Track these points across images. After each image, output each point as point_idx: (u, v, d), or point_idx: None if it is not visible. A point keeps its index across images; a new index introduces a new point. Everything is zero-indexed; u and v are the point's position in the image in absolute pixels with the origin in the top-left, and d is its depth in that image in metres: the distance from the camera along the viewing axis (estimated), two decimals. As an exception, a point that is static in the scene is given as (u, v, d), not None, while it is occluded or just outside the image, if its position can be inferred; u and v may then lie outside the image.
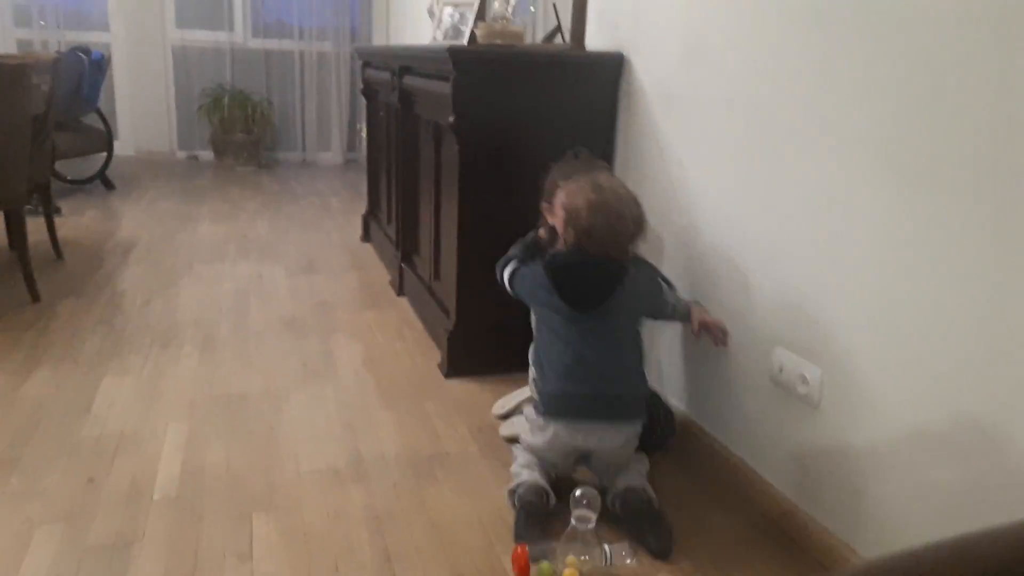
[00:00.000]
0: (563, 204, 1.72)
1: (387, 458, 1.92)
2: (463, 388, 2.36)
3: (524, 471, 1.71)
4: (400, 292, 3.25)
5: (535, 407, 1.75)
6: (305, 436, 2.01)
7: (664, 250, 2.14)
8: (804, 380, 1.60)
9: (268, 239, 4.04)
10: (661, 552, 1.57)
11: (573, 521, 1.49)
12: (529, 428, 1.76)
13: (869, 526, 1.46)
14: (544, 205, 1.92)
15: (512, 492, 1.68)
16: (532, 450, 1.74)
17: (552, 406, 1.69)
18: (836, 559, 1.52)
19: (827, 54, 1.51)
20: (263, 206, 4.81)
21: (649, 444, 1.79)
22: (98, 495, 1.71)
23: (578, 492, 1.51)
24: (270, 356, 2.52)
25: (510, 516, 1.66)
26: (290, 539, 1.60)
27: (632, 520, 1.62)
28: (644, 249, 1.93)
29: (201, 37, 6.31)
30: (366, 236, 4.13)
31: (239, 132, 6.16)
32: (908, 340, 1.36)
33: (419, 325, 2.88)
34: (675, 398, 2.13)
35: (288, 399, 2.21)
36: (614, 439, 1.67)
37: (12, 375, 2.30)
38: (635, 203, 1.73)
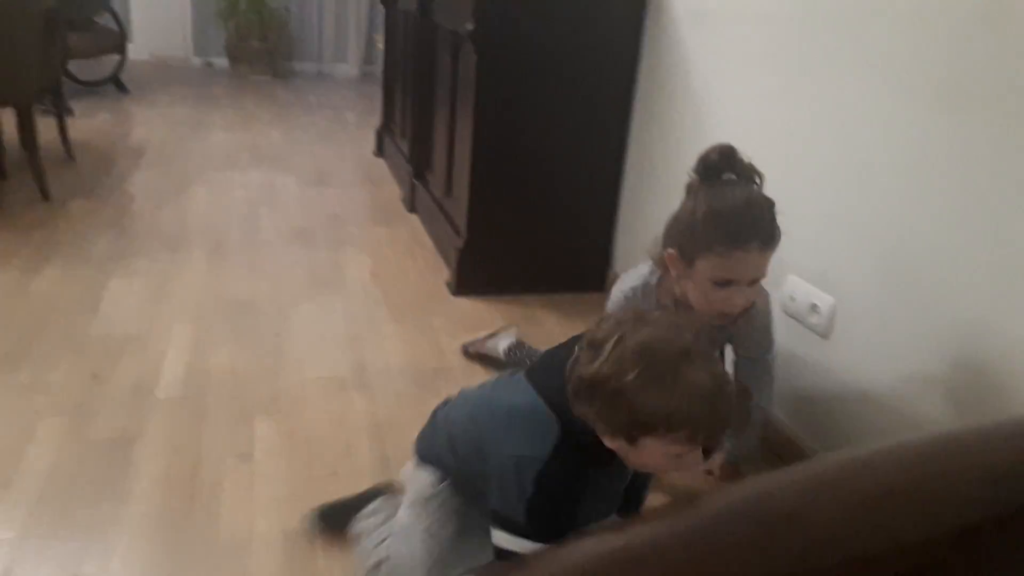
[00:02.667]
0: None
1: (391, 369, 1.93)
2: (470, 306, 2.34)
3: None
4: (411, 209, 3.21)
5: None
6: (311, 344, 2.01)
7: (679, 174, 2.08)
8: (815, 309, 1.57)
9: (281, 149, 3.99)
10: None
11: None
12: None
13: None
14: (670, 254, 1.29)
15: None
16: None
17: None
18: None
19: (868, -33, 1.42)
20: (277, 116, 4.73)
21: None
22: (103, 392, 1.73)
23: None
24: (279, 265, 2.51)
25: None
26: (291, 442, 1.61)
27: None
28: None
29: (218, -62, 6.10)
30: (379, 151, 4.06)
31: (255, 40, 6.02)
32: (923, 275, 1.32)
33: (429, 242, 2.85)
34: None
35: (295, 307, 2.21)
36: None
37: (22, 272, 2.30)
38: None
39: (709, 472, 1.52)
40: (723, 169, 1.25)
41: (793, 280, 1.64)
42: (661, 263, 1.34)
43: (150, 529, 1.34)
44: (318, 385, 1.82)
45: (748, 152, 1.80)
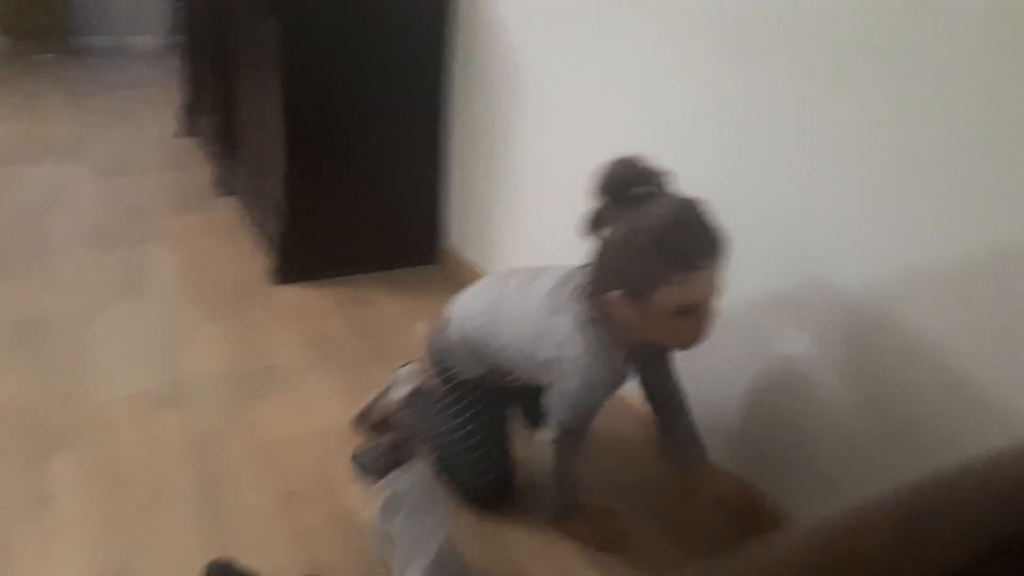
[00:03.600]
0: None
1: (209, 377, 1.77)
2: (295, 294, 2.20)
3: None
4: (226, 192, 2.98)
5: None
6: (113, 360, 1.81)
7: (509, 138, 2.03)
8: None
9: (73, 137, 3.58)
10: None
11: None
12: None
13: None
14: (614, 299, 1.15)
15: None
16: None
17: None
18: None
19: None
20: (67, 99, 4.25)
21: None
22: None
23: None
24: (72, 273, 2.25)
25: (345, 426, 1.57)
26: (97, 476, 1.44)
27: None
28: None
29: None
30: (187, 130, 3.75)
31: (35, 11, 5.37)
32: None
33: (247, 227, 2.66)
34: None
35: (94, 320, 1.98)
36: None
37: None
38: None
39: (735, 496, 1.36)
40: (632, 183, 1.11)
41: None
42: (601, 311, 1.18)
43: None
44: (124, 406, 1.64)
45: (564, 110, 1.78)
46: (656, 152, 1.48)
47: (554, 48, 1.78)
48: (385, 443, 1.26)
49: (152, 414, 1.62)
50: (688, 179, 1.42)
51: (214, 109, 3.12)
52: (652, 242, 1.07)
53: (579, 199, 1.69)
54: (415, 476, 1.22)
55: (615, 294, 1.12)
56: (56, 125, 3.76)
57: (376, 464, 1.28)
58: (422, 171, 2.38)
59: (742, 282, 1.34)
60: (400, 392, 1.50)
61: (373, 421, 1.51)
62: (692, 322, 1.12)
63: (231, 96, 2.87)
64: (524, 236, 2.03)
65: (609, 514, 1.37)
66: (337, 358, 1.86)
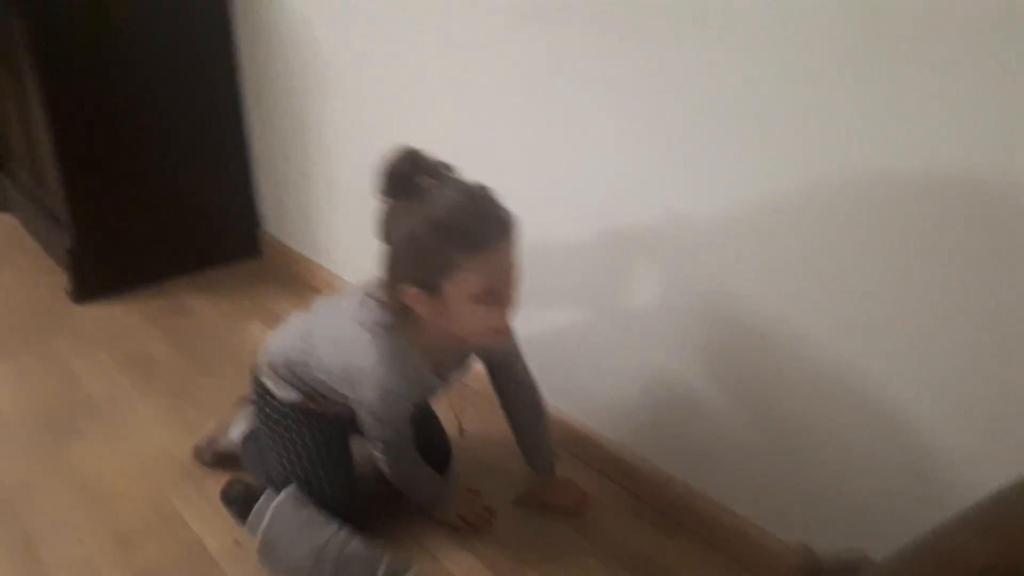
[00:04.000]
0: None
1: (8, 422, 1.57)
2: (101, 312, 2.00)
3: None
4: (2, 208, 2.65)
5: None
6: None
7: (310, 116, 1.93)
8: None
9: None
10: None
11: None
12: None
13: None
14: (410, 293, 1.09)
15: None
16: None
17: None
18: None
19: None
20: None
21: None
22: None
23: None
24: None
25: (179, 452, 1.45)
26: None
27: None
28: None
29: None
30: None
31: None
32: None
33: (34, 244, 2.38)
34: (340, 267, 2.00)
35: None
36: None
37: None
38: None
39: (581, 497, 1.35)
40: (413, 176, 1.04)
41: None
42: (396, 315, 1.11)
43: None
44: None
45: (367, 86, 1.71)
46: (464, 122, 1.46)
47: (348, 24, 1.70)
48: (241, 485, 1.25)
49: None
50: (498, 148, 1.42)
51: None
52: (437, 229, 1.02)
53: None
54: (274, 509, 1.16)
55: (409, 292, 1.07)
56: None
57: (238, 504, 1.26)
58: (224, 164, 2.22)
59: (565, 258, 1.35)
60: (237, 430, 1.40)
61: (216, 452, 1.42)
62: (493, 309, 1.07)
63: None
64: (344, 218, 1.95)
65: (474, 494, 1.35)
66: (160, 378, 1.71)
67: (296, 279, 2.16)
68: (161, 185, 2.13)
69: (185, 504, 1.34)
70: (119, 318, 1.97)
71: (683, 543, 1.26)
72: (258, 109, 2.13)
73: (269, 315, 1.97)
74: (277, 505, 1.19)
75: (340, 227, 1.98)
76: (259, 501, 1.20)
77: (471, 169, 1.07)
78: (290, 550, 1.15)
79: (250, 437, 1.37)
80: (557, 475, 1.36)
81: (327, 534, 1.17)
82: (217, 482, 1.35)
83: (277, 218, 2.24)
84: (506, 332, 1.12)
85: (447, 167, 1.06)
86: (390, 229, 1.07)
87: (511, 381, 1.32)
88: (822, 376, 1.05)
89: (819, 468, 1.10)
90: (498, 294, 1.07)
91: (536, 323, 1.32)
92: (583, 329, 1.39)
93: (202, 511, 1.33)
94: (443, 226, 1.02)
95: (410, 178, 1.04)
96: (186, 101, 2.09)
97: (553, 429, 1.36)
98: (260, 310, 2.00)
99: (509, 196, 1.05)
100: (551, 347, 1.42)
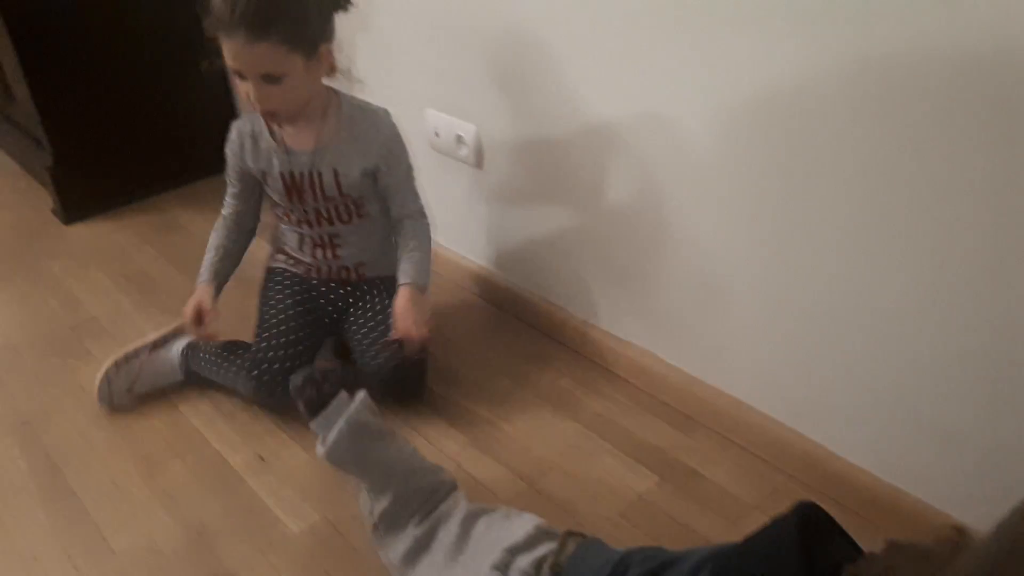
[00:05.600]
0: None
1: (16, 348, 1.57)
2: (92, 232, 1.97)
3: None
4: (-30, 126, 2.56)
5: None
6: None
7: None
8: (461, 141, 1.51)
9: None
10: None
11: None
12: None
13: (547, 273, 1.50)
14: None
15: None
16: None
17: None
18: (538, 313, 1.56)
19: None
20: None
21: None
22: None
23: None
24: None
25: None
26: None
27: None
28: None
29: None
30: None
31: None
32: (550, 82, 1.30)
33: (13, 165, 2.31)
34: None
35: None
36: None
37: None
38: None
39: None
40: None
41: (432, 114, 1.55)
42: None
43: None
44: None
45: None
46: (455, 21, 1.39)
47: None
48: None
49: None
50: (494, 45, 1.35)
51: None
52: None
53: (384, 75, 1.59)
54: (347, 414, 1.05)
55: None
56: None
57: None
58: (200, 72, 2.13)
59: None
60: (176, 348, 1.42)
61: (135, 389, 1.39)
62: (245, 88, 1.17)
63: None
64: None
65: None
66: (158, 295, 1.71)
67: (286, 187, 2.12)
68: (138, 97, 2.05)
69: (203, 422, 1.37)
70: (111, 236, 1.94)
71: (702, 439, 1.30)
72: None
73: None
74: (349, 410, 1.06)
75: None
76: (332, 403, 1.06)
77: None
78: (360, 454, 1.06)
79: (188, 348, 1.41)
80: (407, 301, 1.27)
81: (396, 443, 1.09)
82: (229, 398, 1.38)
83: (261, 125, 2.18)
84: (268, 114, 1.22)
85: None
86: None
87: (406, 201, 1.36)
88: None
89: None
90: (246, 77, 1.16)
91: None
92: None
93: (220, 428, 1.36)
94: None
95: None
96: (157, 7, 1.98)
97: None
98: (253, 221, 1.97)
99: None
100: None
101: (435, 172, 1.63)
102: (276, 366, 1.30)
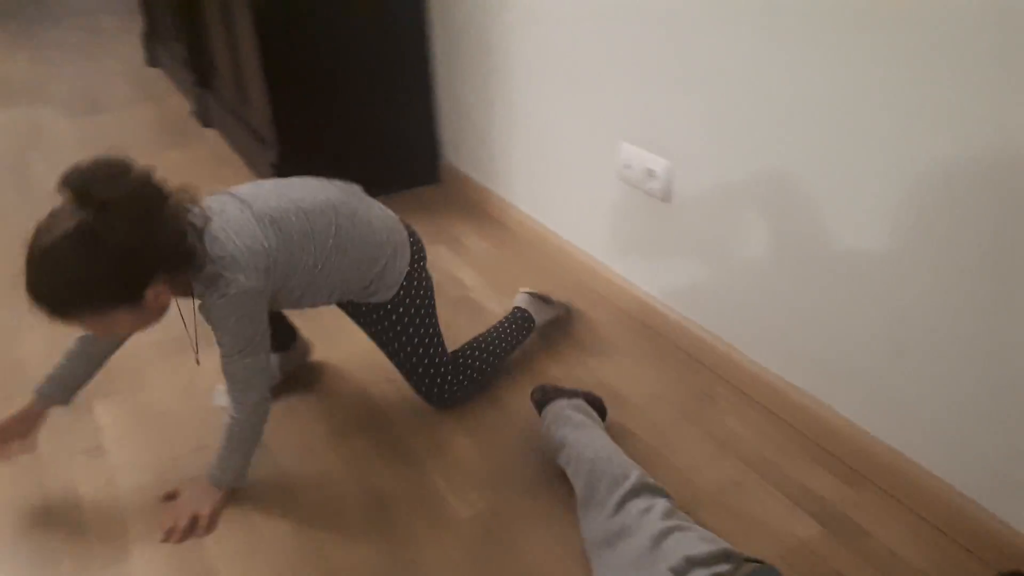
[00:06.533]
0: None
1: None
2: (301, 224, 2.18)
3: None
4: (206, 123, 2.90)
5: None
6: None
7: (496, 48, 1.99)
8: (652, 174, 1.58)
9: (32, 76, 3.44)
10: None
11: None
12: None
13: (722, 311, 1.53)
14: None
15: None
16: None
17: None
18: (705, 349, 1.59)
19: None
20: (16, 34, 4.04)
21: None
22: None
23: None
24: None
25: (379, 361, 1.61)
26: (141, 421, 1.47)
27: None
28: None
29: None
30: (152, 60, 3.60)
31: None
32: (749, 125, 1.34)
33: (236, 158, 2.61)
34: (518, 198, 2.09)
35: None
36: None
37: None
38: None
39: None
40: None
41: (627, 147, 1.63)
42: None
43: (19, 561, 1.19)
44: (154, 350, 1.64)
45: (552, 10, 1.73)
46: (666, 57, 1.46)
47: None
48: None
49: (181, 355, 1.63)
50: (698, 85, 1.40)
51: (178, 37, 3.00)
52: None
53: (580, 106, 1.69)
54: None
55: None
56: (13, 65, 3.59)
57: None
58: (409, 91, 2.33)
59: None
60: None
61: None
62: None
63: (194, 20, 2.75)
64: (523, 150, 2.01)
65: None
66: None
67: (472, 206, 2.27)
68: (354, 109, 2.27)
69: (389, 404, 1.49)
70: (317, 231, 2.14)
71: (870, 496, 1.28)
72: (444, 37, 2.21)
73: (449, 238, 2.09)
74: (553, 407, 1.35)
75: (518, 159, 2.05)
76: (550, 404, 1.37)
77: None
78: (572, 442, 1.25)
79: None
80: None
81: (591, 436, 1.26)
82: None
83: (456, 147, 2.34)
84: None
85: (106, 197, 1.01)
86: None
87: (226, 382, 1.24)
88: None
89: None
90: None
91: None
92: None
93: (404, 413, 1.47)
94: None
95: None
96: (377, 27, 2.20)
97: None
98: (442, 233, 2.12)
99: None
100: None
101: (619, 201, 1.70)
102: None
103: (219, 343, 1.21)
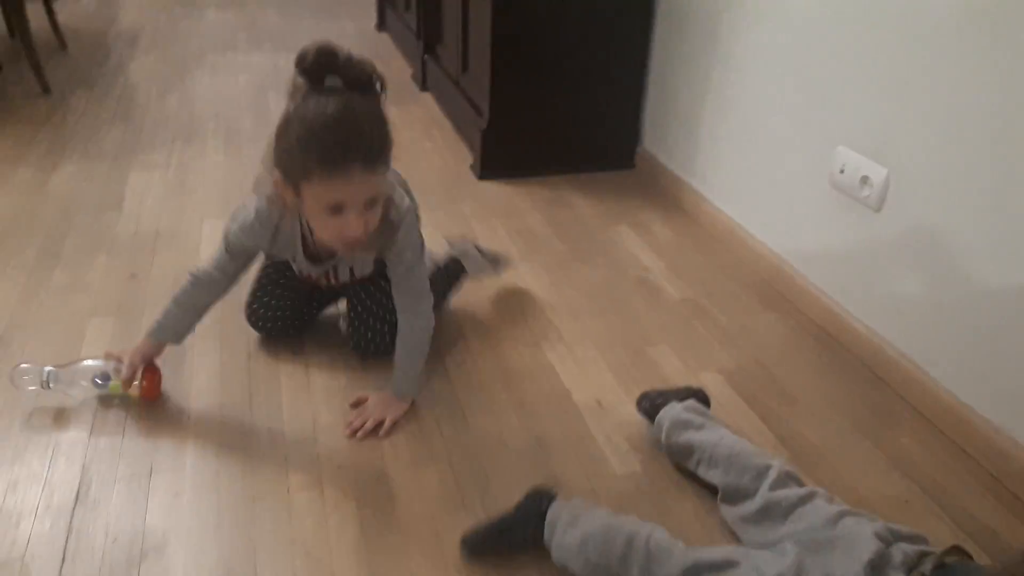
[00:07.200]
0: None
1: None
2: (498, 190, 2.30)
3: None
4: (424, 87, 3.10)
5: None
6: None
7: (721, 40, 2.00)
8: (867, 182, 1.54)
9: (279, 28, 3.82)
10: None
11: None
12: None
13: (924, 334, 1.46)
14: (276, 179, 1.18)
15: None
16: None
17: None
18: (892, 367, 1.54)
19: None
20: (271, -8, 4.50)
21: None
22: (144, 289, 1.72)
23: None
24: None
25: (547, 321, 1.67)
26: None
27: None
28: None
29: None
30: (382, 24, 3.89)
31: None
32: (981, 140, 1.28)
33: (447, 122, 2.77)
34: (714, 193, 2.08)
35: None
36: None
37: (38, 169, 2.25)
38: None
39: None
40: (323, 72, 1.08)
41: (843, 151, 1.59)
42: (278, 186, 1.18)
43: (216, 424, 1.37)
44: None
45: (788, 20, 1.71)
46: (898, 62, 1.41)
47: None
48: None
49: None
50: (930, 95, 1.35)
51: (411, 4, 3.22)
52: (303, 135, 1.07)
53: (799, 106, 1.66)
54: None
55: (276, 174, 1.15)
56: (264, 17, 4.00)
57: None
58: (625, 74, 2.38)
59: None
60: None
61: None
62: (341, 221, 1.13)
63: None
64: (731, 146, 2.01)
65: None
66: (541, 253, 1.95)
67: (664, 195, 2.29)
68: (564, 88, 2.34)
69: (556, 358, 1.56)
70: (512, 197, 2.25)
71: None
72: (666, 25, 2.24)
73: (636, 222, 2.12)
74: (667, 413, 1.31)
75: (722, 153, 2.05)
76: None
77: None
78: (699, 444, 1.23)
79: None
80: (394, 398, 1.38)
81: (715, 434, 1.24)
82: (582, 342, 1.55)
83: (657, 136, 2.37)
84: (356, 241, 1.17)
85: (369, 77, 1.11)
86: (286, 107, 1.11)
87: (401, 297, 1.36)
88: None
89: None
90: (346, 210, 1.12)
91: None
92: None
93: (570, 367, 1.53)
94: (307, 134, 1.07)
95: (319, 72, 1.08)
96: (603, 11, 2.26)
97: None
98: (628, 216, 2.16)
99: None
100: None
101: (826, 206, 1.67)
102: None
103: (398, 263, 1.32)
